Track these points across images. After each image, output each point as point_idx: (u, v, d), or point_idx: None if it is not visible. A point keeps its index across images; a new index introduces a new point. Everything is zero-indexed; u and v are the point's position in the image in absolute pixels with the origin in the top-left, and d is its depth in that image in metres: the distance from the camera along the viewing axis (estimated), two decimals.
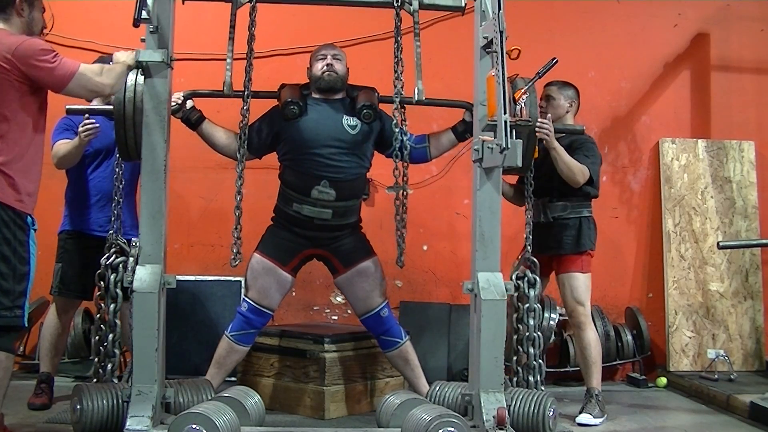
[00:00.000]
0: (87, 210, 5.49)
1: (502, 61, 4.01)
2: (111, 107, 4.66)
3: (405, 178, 5.05)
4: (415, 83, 4.77)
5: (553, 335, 6.52)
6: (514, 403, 4.61)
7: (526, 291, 5.15)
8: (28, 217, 4.13)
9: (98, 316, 5.00)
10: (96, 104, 5.43)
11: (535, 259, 5.22)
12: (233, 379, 5.76)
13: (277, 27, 6.70)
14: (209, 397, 4.61)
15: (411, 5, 4.95)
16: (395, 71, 4.93)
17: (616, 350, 6.85)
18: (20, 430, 4.72)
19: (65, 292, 5.51)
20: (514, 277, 5.14)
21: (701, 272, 7.14)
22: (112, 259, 4.95)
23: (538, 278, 5.18)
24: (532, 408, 4.59)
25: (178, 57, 4.71)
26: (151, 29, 4.37)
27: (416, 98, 4.74)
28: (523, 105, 4.81)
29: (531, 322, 5.13)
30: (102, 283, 4.94)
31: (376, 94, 5.25)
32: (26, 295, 4.12)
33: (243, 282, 5.27)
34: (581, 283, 5.49)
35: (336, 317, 7.09)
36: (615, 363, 6.91)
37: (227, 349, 5.17)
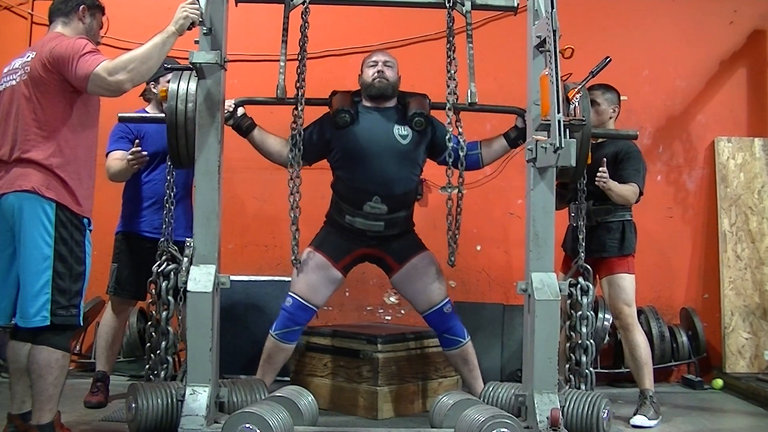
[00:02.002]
0: (141, 212, 5.55)
1: (556, 60, 3.99)
2: (162, 115, 4.70)
3: (461, 180, 5.03)
4: (467, 84, 4.75)
5: (607, 336, 6.50)
6: (567, 404, 4.58)
7: (579, 298, 5.12)
8: (85, 218, 4.20)
9: (150, 323, 5.05)
10: (151, 110, 5.53)
11: (588, 266, 5.20)
12: (287, 378, 5.79)
13: (329, 28, 6.73)
14: (263, 397, 4.64)
15: (463, 6, 4.93)
16: (448, 71, 4.91)
17: (671, 351, 6.79)
18: (76, 427, 4.76)
19: (120, 291, 5.58)
20: (566, 284, 5.11)
21: (758, 273, 7.05)
22: (163, 266, 5.00)
23: (591, 285, 5.16)
24: (586, 409, 4.55)
25: (232, 58, 4.73)
26: (205, 31, 4.40)
27: (469, 101, 4.70)
28: (576, 104, 4.78)
29: (584, 330, 5.09)
30: (154, 290, 4.99)
31: (428, 101, 5.24)
32: (82, 294, 4.19)
33: (293, 278, 5.27)
34: (629, 284, 5.46)
35: (389, 317, 7.10)
36: (670, 364, 6.85)
37: (273, 348, 5.18)
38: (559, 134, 3.92)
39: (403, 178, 5.16)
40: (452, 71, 4.91)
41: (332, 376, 5.55)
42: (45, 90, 4.10)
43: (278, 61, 4.69)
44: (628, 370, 5.97)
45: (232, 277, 4.64)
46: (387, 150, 5.12)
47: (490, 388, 4.88)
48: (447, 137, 4.98)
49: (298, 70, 4.91)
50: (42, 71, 4.08)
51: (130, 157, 5.24)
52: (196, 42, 4.42)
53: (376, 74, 5.19)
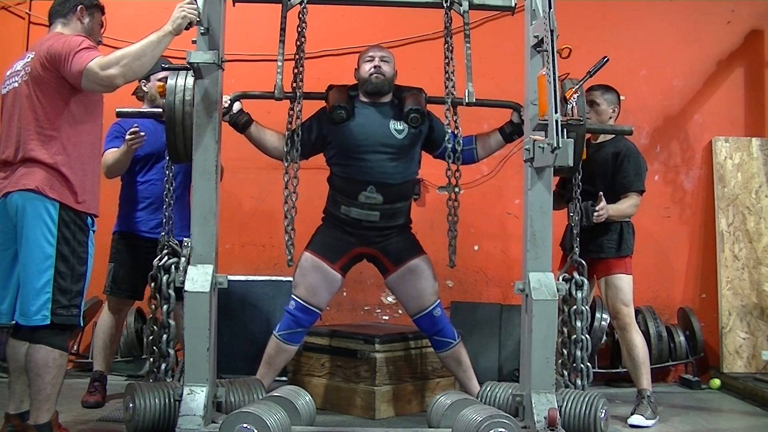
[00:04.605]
0: (138, 212, 5.55)
1: (553, 60, 3.99)
2: (160, 110, 4.70)
3: (458, 174, 4.98)
4: (465, 84, 4.75)
5: (604, 336, 6.50)
6: (565, 404, 4.58)
7: (574, 293, 5.11)
8: (89, 218, 4.21)
9: (151, 316, 5.04)
10: (146, 107, 5.53)
11: (582, 261, 5.19)
12: (284, 378, 5.78)
13: (327, 28, 6.72)
14: (260, 397, 4.64)
15: (461, 6, 4.93)
16: (446, 71, 4.91)
17: (668, 351, 6.78)
18: (74, 427, 4.76)
19: (117, 291, 5.58)
20: (560, 278, 5.11)
21: (755, 272, 7.05)
22: (164, 260, 5.00)
23: (585, 280, 5.15)
24: (584, 409, 4.55)
25: (229, 58, 4.73)
26: (202, 31, 4.39)
27: (466, 100, 4.70)
28: (573, 104, 4.78)
29: (578, 324, 5.08)
30: (154, 284, 4.99)
31: (424, 95, 5.22)
32: (82, 295, 4.20)
33: (293, 281, 5.26)
34: (626, 284, 5.46)
35: (387, 317, 7.09)
36: (667, 364, 6.85)
37: (276, 348, 5.18)
38: (557, 134, 3.92)
39: (398, 171, 5.15)
40: (450, 71, 4.91)
41: (330, 375, 5.54)
42: (45, 89, 4.11)
43: (276, 60, 4.69)
44: (625, 369, 5.98)
45: (230, 277, 4.65)
46: (383, 144, 5.10)
47: (488, 388, 4.88)
48: (445, 137, 4.97)
49: (296, 71, 4.90)
50: (41, 70, 4.09)
51: (129, 136, 5.25)
52: (194, 42, 4.42)
53: (372, 69, 5.17)
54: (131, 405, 4.43)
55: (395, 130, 5.14)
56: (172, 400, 4.42)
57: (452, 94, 4.91)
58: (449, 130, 4.96)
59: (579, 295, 5.09)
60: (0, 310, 4.21)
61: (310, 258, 5.22)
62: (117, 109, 5.04)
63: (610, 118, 5.56)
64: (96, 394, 5.50)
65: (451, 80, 4.91)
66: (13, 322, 4.19)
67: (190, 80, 4.56)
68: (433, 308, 5.22)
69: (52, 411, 4.13)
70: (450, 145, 4.95)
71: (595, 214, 5.23)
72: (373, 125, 5.13)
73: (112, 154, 5.40)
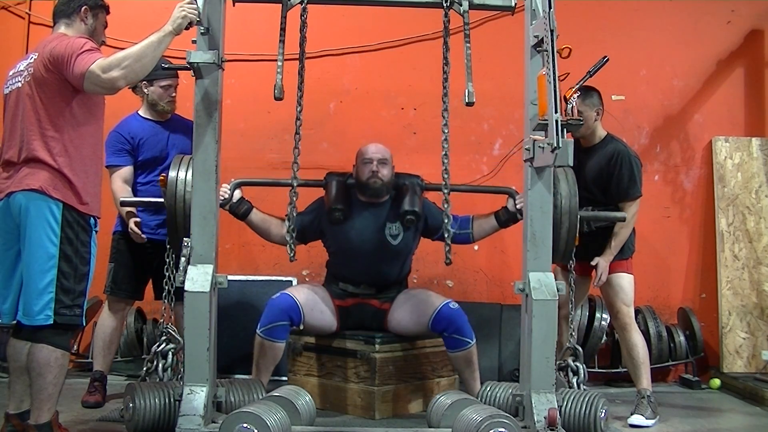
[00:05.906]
0: (138, 214, 5.51)
1: (553, 59, 3.99)
2: (162, 200, 4.76)
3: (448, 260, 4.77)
4: (465, 84, 4.74)
5: (604, 336, 6.50)
6: (565, 403, 4.58)
7: (570, 379, 5.18)
8: (92, 218, 4.21)
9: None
10: (142, 113, 5.58)
11: (579, 348, 5.24)
12: (284, 378, 5.78)
13: (327, 28, 6.72)
14: (260, 397, 4.64)
15: (461, 5, 4.90)
16: (444, 72, 4.89)
17: (668, 351, 6.78)
18: (74, 427, 4.76)
19: (117, 291, 5.58)
20: (556, 365, 5.12)
21: (755, 272, 7.05)
22: (162, 346, 5.12)
23: (581, 366, 5.20)
24: (584, 409, 4.56)
25: (229, 58, 4.72)
26: (202, 31, 4.39)
27: (466, 100, 4.68)
28: (573, 104, 4.78)
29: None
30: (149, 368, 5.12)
31: (421, 184, 5.35)
32: (85, 295, 4.21)
33: (294, 283, 5.27)
34: (627, 283, 5.46)
35: None
36: (667, 364, 6.84)
37: (259, 346, 5.20)
38: (557, 134, 3.91)
39: (393, 270, 5.40)
40: (447, 71, 4.89)
41: (330, 376, 5.53)
42: (47, 90, 4.11)
43: (276, 60, 4.69)
44: (625, 369, 5.98)
45: (229, 277, 4.65)
46: (378, 250, 5.29)
47: (488, 388, 4.88)
48: (440, 222, 4.86)
49: (298, 71, 4.88)
50: (43, 71, 4.10)
51: (130, 231, 5.36)
52: (194, 42, 4.42)
53: (370, 174, 5.26)
54: (131, 405, 4.43)
55: (390, 236, 5.31)
56: (172, 400, 4.43)
57: (447, 95, 4.83)
58: (444, 218, 4.77)
59: (575, 380, 5.14)
60: (2, 310, 4.22)
61: (320, 287, 5.47)
62: (121, 198, 5.19)
63: (596, 120, 5.50)
64: (96, 394, 5.49)
65: (448, 81, 4.84)
66: (15, 321, 4.19)
67: (191, 175, 4.61)
68: (447, 302, 5.28)
69: (53, 411, 4.13)
70: (446, 233, 4.74)
71: (596, 284, 5.36)
72: (369, 230, 5.31)
73: (121, 189, 5.42)
